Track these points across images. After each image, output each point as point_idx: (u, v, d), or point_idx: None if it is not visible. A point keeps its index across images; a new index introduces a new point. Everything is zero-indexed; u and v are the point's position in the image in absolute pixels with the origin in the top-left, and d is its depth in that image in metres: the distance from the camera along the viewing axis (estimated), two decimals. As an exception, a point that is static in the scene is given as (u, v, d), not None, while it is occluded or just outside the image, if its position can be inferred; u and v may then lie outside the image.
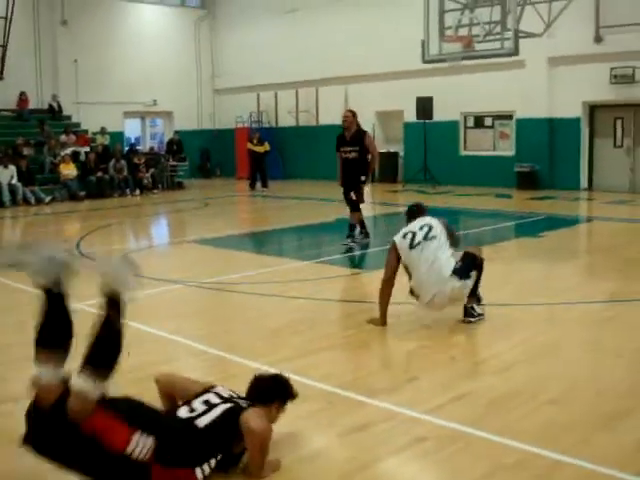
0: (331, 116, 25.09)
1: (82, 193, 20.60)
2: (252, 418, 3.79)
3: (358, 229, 11.64)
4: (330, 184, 23.50)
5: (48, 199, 19.93)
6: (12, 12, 23.40)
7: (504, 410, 4.71)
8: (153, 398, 4.91)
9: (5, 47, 23.76)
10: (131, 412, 3.68)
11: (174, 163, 24.57)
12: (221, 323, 7.45)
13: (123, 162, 22.03)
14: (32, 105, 24.54)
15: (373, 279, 9.05)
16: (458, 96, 21.15)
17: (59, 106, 24.98)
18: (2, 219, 17.60)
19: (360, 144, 11.18)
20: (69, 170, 20.82)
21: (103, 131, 24.11)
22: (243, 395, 4.15)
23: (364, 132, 11.48)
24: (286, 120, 26.98)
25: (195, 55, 29.35)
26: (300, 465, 4.01)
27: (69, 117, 25.23)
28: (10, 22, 23.50)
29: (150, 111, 28.04)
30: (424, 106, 21.31)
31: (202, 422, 3.79)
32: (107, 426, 3.50)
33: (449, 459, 4.06)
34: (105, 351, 3.65)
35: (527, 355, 5.77)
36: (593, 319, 6.99)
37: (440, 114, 21.39)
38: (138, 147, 26.14)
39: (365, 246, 11.46)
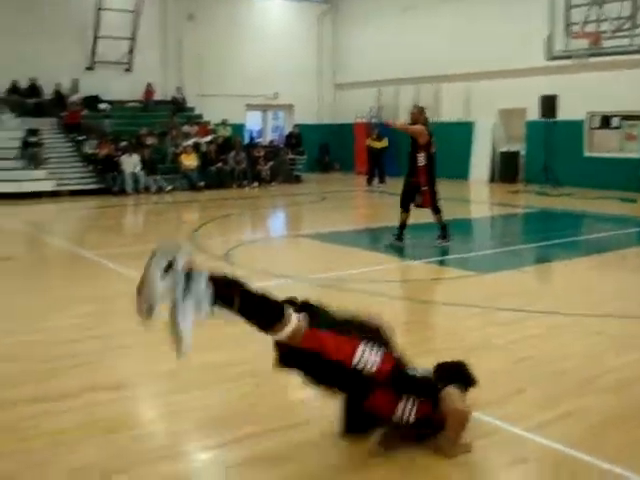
0: (452, 113, 24.77)
1: (202, 183, 21.07)
2: (456, 398, 3.95)
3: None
4: (449, 182, 23.29)
5: (169, 188, 20.50)
6: (141, 6, 24.19)
7: (619, 432, 4.42)
8: (260, 394, 4.93)
9: (134, 40, 24.56)
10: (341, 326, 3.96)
11: (293, 156, 24.77)
12: None
13: (243, 154, 22.39)
14: (157, 97, 25.30)
15: (484, 282, 8.85)
16: (584, 95, 20.35)
17: (183, 98, 25.62)
18: (125, 206, 18.19)
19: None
20: (190, 160, 21.34)
21: (225, 123, 24.53)
22: None
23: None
24: (406, 116, 26.67)
25: (317, 49, 29.48)
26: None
27: (192, 109, 25.83)
28: (139, 16, 24.30)
29: (271, 104, 28.35)
30: (548, 104, 20.65)
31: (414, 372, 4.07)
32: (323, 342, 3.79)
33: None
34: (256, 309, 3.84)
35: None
36: None
37: (564, 113, 20.67)
38: (258, 140, 26.51)
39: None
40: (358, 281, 8.78)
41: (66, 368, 5.59)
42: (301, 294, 8.13)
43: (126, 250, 11.20)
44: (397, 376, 3.91)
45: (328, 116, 29.78)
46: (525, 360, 5.42)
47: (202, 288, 3.61)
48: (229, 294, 3.73)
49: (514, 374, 5.40)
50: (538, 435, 4.31)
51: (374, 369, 3.80)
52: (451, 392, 3.98)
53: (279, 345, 3.90)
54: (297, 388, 5.37)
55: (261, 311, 3.82)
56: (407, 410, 3.90)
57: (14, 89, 22.75)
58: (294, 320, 3.79)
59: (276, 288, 8.33)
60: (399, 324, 6.77)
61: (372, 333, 4.00)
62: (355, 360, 3.79)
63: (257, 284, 8.12)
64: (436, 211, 10.91)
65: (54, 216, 17.08)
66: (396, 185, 22.09)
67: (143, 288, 3.57)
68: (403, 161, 26.30)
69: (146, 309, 3.56)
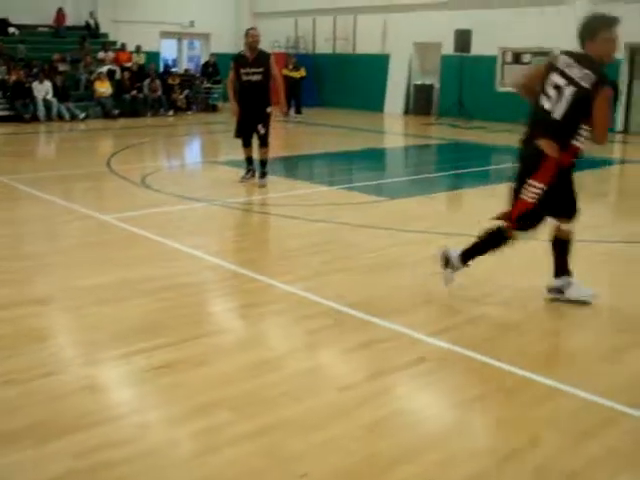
0: (368, 45, 24.92)
1: (116, 111, 20.74)
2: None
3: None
4: (364, 114, 23.61)
5: (82, 116, 20.11)
6: None
7: (515, 336, 4.88)
8: (174, 306, 5.20)
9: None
10: None
11: (209, 85, 24.55)
12: (242, 241, 7.66)
13: (158, 82, 22.07)
14: (69, 22, 24.55)
15: (395, 206, 9.24)
16: (498, 31, 20.79)
17: (96, 24, 24.95)
18: (37, 134, 17.84)
19: (265, 66, 10.19)
20: (104, 88, 20.93)
21: (139, 50, 24.06)
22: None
23: (269, 54, 10.59)
24: (323, 47, 26.76)
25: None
26: (300, 377, 4.22)
27: (106, 35, 25.20)
28: None
29: (187, 32, 27.91)
30: (463, 39, 21.00)
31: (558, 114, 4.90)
32: None
33: (445, 380, 4.23)
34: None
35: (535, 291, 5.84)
36: (616, 256, 7.06)
37: (478, 49, 21.09)
38: (174, 69, 26.12)
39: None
40: (274, 205, 9.13)
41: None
42: (219, 216, 8.45)
43: (40, 175, 11.15)
44: None
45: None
46: (432, 277, 5.79)
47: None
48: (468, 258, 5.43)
49: (421, 288, 5.79)
50: (439, 339, 4.72)
51: None
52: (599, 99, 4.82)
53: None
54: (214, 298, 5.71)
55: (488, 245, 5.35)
56: None
57: None
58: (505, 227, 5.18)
59: (191, 211, 8.64)
60: (314, 244, 7.13)
61: None
62: None
63: (175, 207, 8.42)
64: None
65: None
66: (314, 116, 22.38)
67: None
68: (322, 92, 26.56)
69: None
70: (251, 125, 10.31)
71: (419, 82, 23.92)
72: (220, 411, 3.74)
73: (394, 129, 21.29)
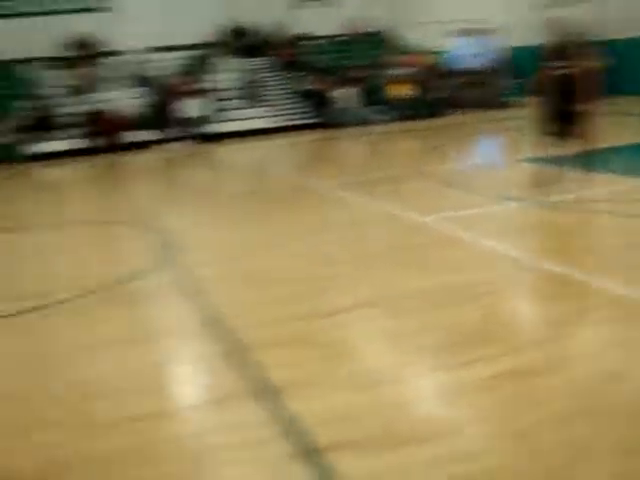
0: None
1: (413, 113, 21.19)
2: None
3: None
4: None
5: (385, 118, 20.80)
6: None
7: None
8: (499, 312, 5.20)
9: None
10: None
11: (503, 82, 24.23)
12: (562, 242, 7.43)
13: (450, 81, 22.22)
14: (362, 30, 25.55)
15: None
16: None
17: (388, 28, 25.70)
18: (341, 140, 18.75)
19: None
20: (401, 90, 21.48)
21: (431, 51, 24.42)
22: None
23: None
24: (625, 31, 25.26)
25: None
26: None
27: (398, 38, 25.85)
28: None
29: (479, 28, 27.76)
30: None
31: None
32: None
33: None
34: None
35: None
36: None
37: None
38: (465, 66, 26.09)
39: None
40: (592, 202, 8.73)
41: (331, 287, 6.22)
42: (534, 216, 8.26)
43: (350, 179, 11.75)
44: None
45: (540, 38, 28.65)
46: None
47: None
48: None
49: None
50: None
51: None
52: None
53: None
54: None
55: None
56: None
57: (230, 33, 23.91)
58: None
59: (506, 211, 8.50)
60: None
61: None
62: None
63: (488, 208, 8.37)
64: None
65: (277, 151, 17.98)
66: (623, 103, 20.90)
67: None
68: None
69: None
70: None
71: None
72: (580, 420, 3.68)
73: None
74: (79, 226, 9.94)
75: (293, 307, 5.72)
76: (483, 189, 9.90)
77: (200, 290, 6.37)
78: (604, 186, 9.62)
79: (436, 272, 6.38)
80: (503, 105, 23.64)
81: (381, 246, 7.64)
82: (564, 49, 9.73)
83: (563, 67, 9.68)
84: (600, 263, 6.50)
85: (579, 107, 9.57)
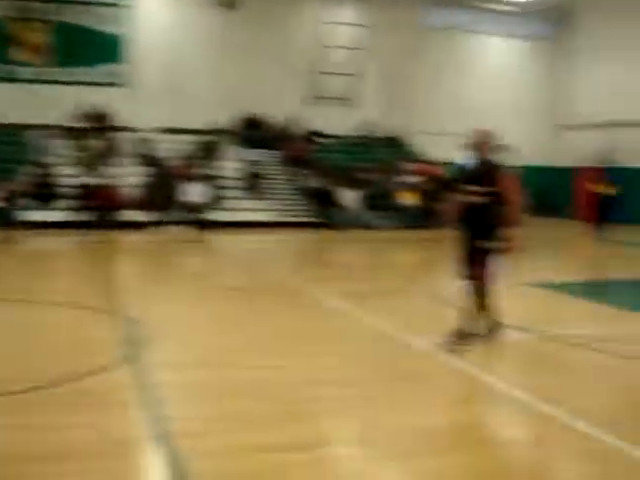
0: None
1: (421, 222, 20.69)
2: None
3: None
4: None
5: (388, 225, 20.31)
6: (367, 43, 24.53)
7: None
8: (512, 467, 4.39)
9: (355, 76, 24.92)
10: None
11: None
12: (585, 388, 6.36)
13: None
14: (378, 133, 25.44)
15: None
16: None
17: (403, 135, 25.58)
18: (340, 242, 18.16)
19: (490, 182, 7.29)
20: (409, 198, 21.08)
21: (443, 162, 24.14)
22: None
23: (497, 166, 7.41)
24: (635, 160, 25.16)
25: (541, 88, 28.57)
26: None
27: (410, 145, 25.69)
28: (364, 52, 24.67)
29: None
30: None
31: None
32: None
33: None
34: None
35: None
36: None
37: None
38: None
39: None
40: (605, 342, 7.90)
41: (309, 413, 5.34)
42: (548, 352, 7.42)
43: (347, 288, 11.02)
44: None
45: (550, 158, 28.63)
46: None
47: None
48: None
49: None
50: None
51: None
52: None
53: None
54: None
55: None
56: None
57: (242, 123, 23.72)
58: None
59: (515, 342, 7.66)
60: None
61: None
62: None
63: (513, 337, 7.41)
64: None
65: (274, 247, 17.35)
66: (627, 234, 20.54)
67: None
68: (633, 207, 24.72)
69: None
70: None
71: None
72: None
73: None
74: (48, 307, 9.12)
75: (258, 433, 4.86)
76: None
77: (156, 399, 5.52)
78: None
79: (438, 409, 5.57)
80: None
81: (372, 370, 6.62)
82: (485, 169, 7.45)
83: (475, 193, 7.42)
84: (628, 418, 5.63)
85: (481, 243, 7.41)
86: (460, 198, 7.62)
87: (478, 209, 7.31)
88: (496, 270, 7.39)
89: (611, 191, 20.91)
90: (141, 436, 4.82)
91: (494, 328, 7.44)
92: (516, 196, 7.15)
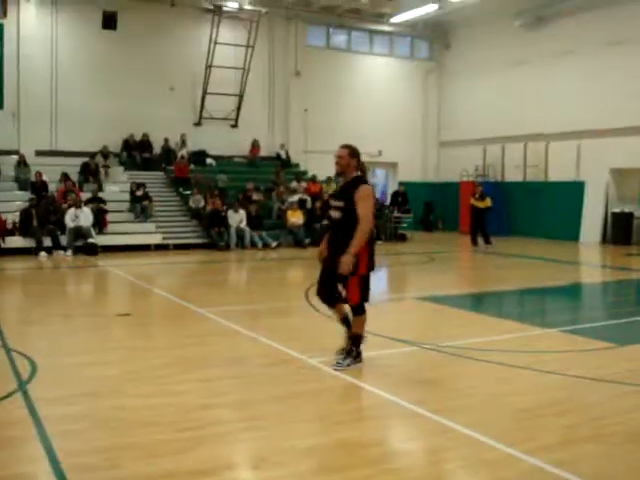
0: (561, 172, 24.13)
1: (307, 240, 20.87)
2: None
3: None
4: (558, 243, 22.54)
5: (274, 244, 20.36)
6: (249, 63, 24.59)
7: None
8: None
9: (241, 97, 24.92)
10: None
11: (398, 215, 24.41)
12: (464, 396, 6.60)
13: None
14: (262, 153, 25.53)
15: (632, 355, 8.16)
16: None
17: (287, 154, 25.75)
18: (230, 262, 18.11)
19: (348, 199, 7.15)
20: (296, 217, 21.22)
21: (329, 180, 24.43)
22: None
23: (359, 183, 7.21)
24: (513, 174, 26.20)
25: (422, 107, 29.37)
26: None
27: (297, 165, 25.91)
28: (247, 73, 24.71)
29: (375, 161, 28.20)
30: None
31: None
32: None
33: None
34: None
35: None
36: None
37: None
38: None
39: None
40: (490, 351, 8.22)
41: (204, 439, 5.27)
42: (433, 363, 7.68)
43: (234, 308, 11.03)
44: None
45: (432, 174, 29.49)
46: None
47: None
48: None
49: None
50: None
51: None
52: None
53: None
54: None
55: None
56: None
57: (126, 144, 23.34)
58: None
59: (403, 355, 7.95)
60: (551, 403, 6.21)
61: None
62: None
63: (383, 351, 7.69)
64: None
65: (162, 270, 17.11)
66: (504, 246, 21.52)
67: None
68: (512, 220, 25.73)
69: None
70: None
71: (617, 210, 22.70)
72: None
73: (594, 260, 19.94)
74: None
75: (161, 461, 4.76)
76: (377, 328, 9.15)
77: (50, 433, 5.35)
78: (500, 333, 9.26)
79: (331, 427, 5.62)
80: (402, 237, 23.78)
81: (266, 392, 6.60)
82: (345, 185, 7.36)
83: (336, 208, 7.34)
84: (501, 424, 5.87)
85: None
86: (328, 214, 7.69)
87: (336, 225, 7.37)
88: (356, 288, 7.40)
89: (487, 204, 21.75)
90: (37, 472, 4.67)
91: (356, 343, 7.49)
92: (364, 212, 7.04)
